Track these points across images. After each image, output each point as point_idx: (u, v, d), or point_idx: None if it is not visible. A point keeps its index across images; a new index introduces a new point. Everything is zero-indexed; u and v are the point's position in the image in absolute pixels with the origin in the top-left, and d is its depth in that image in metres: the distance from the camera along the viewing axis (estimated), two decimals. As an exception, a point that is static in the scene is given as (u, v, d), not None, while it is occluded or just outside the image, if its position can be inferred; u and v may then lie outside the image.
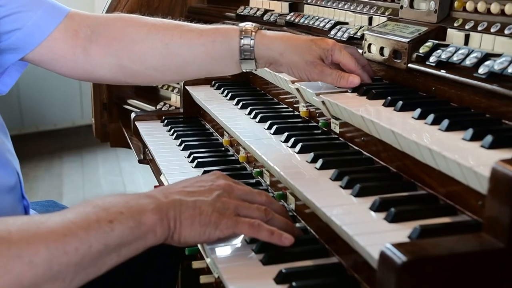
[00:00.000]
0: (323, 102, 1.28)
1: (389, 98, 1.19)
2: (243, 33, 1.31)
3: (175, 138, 1.77)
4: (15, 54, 1.30)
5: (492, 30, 1.14)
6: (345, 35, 1.54)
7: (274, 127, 1.42)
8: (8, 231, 0.79)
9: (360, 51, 1.44)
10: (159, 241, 0.94)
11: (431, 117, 1.05)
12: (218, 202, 0.98)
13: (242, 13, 2.09)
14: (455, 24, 1.24)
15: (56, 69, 1.37)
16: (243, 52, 1.31)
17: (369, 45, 1.40)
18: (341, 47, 1.33)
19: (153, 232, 0.92)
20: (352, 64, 1.32)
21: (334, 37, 1.57)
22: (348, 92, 1.30)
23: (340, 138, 1.34)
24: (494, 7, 1.14)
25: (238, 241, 1.07)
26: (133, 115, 1.99)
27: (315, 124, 1.45)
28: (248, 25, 1.34)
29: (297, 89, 1.40)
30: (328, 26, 1.64)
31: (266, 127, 1.46)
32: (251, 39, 1.31)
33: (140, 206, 0.92)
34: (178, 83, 2.08)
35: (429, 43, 1.24)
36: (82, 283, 0.85)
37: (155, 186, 1.64)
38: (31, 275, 0.77)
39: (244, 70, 1.37)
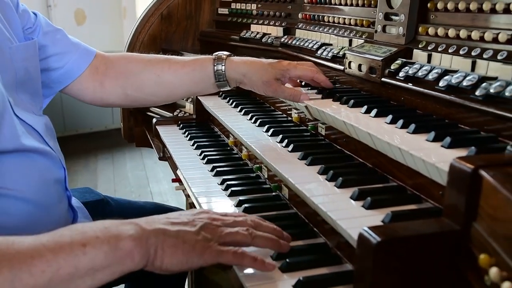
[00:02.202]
0: (306, 107, 1.29)
1: (366, 106, 1.19)
2: (216, 60, 1.36)
3: (189, 139, 1.77)
4: (56, 87, 1.37)
5: (450, 50, 1.14)
6: (330, 54, 1.54)
7: (271, 130, 1.42)
8: None
9: (342, 67, 1.44)
10: (137, 266, 0.80)
11: (400, 122, 1.05)
12: (201, 232, 0.85)
13: (244, 36, 2.09)
14: (420, 46, 1.24)
15: (79, 97, 1.42)
16: (217, 76, 1.36)
17: (349, 62, 1.40)
18: (296, 65, 1.36)
19: (131, 257, 0.78)
20: (309, 74, 1.36)
21: (321, 56, 1.57)
22: (332, 101, 1.30)
23: (326, 139, 1.34)
24: (451, 32, 1.15)
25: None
26: (154, 120, 1.99)
27: (305, 127, 1.45)
28: (223, 53, 1.38)
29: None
30: (315, 47, 1.64)
31: (264, 130, 1.45)
32: (222, 65, 1.35)
33: (119, 232, 0.79)
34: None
35: (399, 61, 1.24)
36: None
37: (173, 180, 1.64)
38: None
39: (221, 89, 1.42)
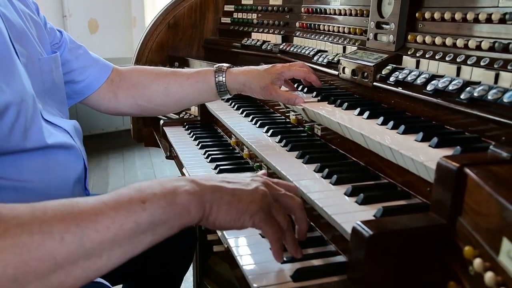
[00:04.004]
0: (303, 110, 1.28)
1: (359, 108, 1.19)
2: (217, 72, 1.39)
3: (194, 140, 1.77)
4: (77, 98, 1.40)
5: (437, 57, 1.14)
6: (325, 61, 1.54)
7: (270, 131, 1.42)
8: (44, 212, 0.67)
9: (336, 72, 1.44)
10: (193, 220, 0.77)
11: (391, 123, 1.06)
12: (256, 193, 0.82)
13: (245, 44, 2.09)
14: (409, 52, 1.25)
15: (95, 107, 1.44)
16: (219, 87, 1.39)
17: (343, 68, 1.41)
18: (289, 67, 1.38)
19: (187, 211, 0.75)
20: (301, 74, 1.39)
21: (317, 62, 1.57)
22: (327, 103, 1.30)
23: (321, 140, 1.34)
24: (438, 40, 1.15)
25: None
26: (161, 121, 1.99)
27: (302, 128, 1.45)
28: (223, 65, 1.41)
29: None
30: (311, 53, 1.64)
31: (264, 131, 1.45)
32: (223, 76, 1.38)
33: (175, 187, 0.75)
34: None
35: (389, 67, 1.24)
36: (122, 261, 0.70)
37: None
38: (63, 251, 0.64)
39: (222, 98, 1.46)
